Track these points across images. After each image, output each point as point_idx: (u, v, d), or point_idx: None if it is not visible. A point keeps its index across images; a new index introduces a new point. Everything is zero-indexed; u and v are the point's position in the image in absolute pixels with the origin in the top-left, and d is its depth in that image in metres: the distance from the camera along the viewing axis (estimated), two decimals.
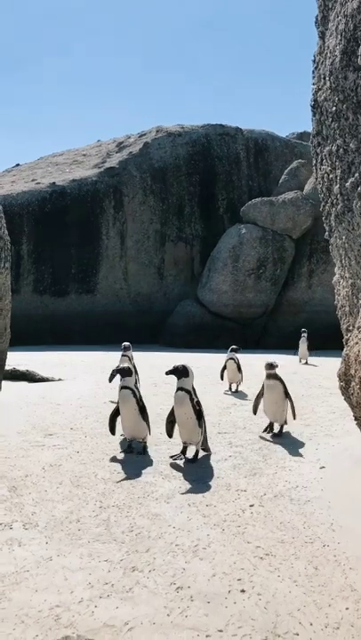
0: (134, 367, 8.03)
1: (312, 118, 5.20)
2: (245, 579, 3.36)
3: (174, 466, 5.60)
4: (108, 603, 3.16)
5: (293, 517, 4.26)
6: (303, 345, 15.94)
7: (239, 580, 3.35)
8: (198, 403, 5.77)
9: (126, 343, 9.08)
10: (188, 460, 5.72)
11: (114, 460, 5.81)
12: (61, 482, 5.11)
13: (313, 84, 5.06)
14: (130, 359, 8.72)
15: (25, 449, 6.17)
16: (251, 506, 4.50)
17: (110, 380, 6.69)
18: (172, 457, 5.81)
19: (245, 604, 3.09)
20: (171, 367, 5.84)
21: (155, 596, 3.22)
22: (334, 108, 4.27)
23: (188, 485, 5.00)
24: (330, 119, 4.47)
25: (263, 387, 6.89)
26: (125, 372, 6.15)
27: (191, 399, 5.68)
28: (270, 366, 6.83)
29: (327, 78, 4.33)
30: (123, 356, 8.87)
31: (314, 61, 4.95)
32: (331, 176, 4.68)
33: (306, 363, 15.44)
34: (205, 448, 5.95)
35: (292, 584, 3.29)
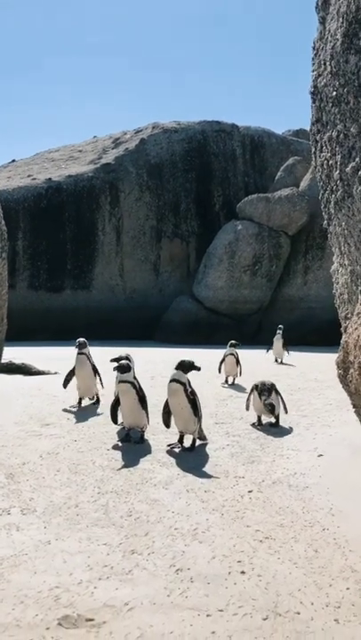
0: (94, 367, 7.82)
1: (311, 105, 5.19)
2: (245, 561, 3.35)
3: (172, 454, 5.60)
4: (107, 584, 3.14)
5: (292, 502, 4.25)
6: (278, 342, 14.61)
7: (239, 562, 3.34)
8: (193, 392, 5.78)
9: (81, 339, 8.06)
10: (185, 449, 5.72)
11: (111, 448, 5.79)
12: (59, 469, 5.09)
13: (313, 71, 5.04)
14: (88, 357, 7.86)
15: (22, 438, 6.15)
16: (249, 492, 4.49)
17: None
18: (169, 445, 5.81)
19: (246, 585, 3.08)
20: (179, 361, 5.89)
21: (154, 577, 3.20)
22: (335, 93, 4.26)
23: (186, 472, 4.99)
24: (330, 104, 4.46)
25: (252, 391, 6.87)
26: (124, 369, 6.11)
27: (185, 390, 5.70)
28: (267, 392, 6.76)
29: (328, 63, 4.32)
30: (79, 354, 7.86)
31: (314, 48, 4.94)
32: (331, 162, 4.68)
33: (281, 362, 14.16)
34: (202, 437, 5.95)
35: (293, 566, 3.28)
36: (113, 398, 6.44)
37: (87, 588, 3.09)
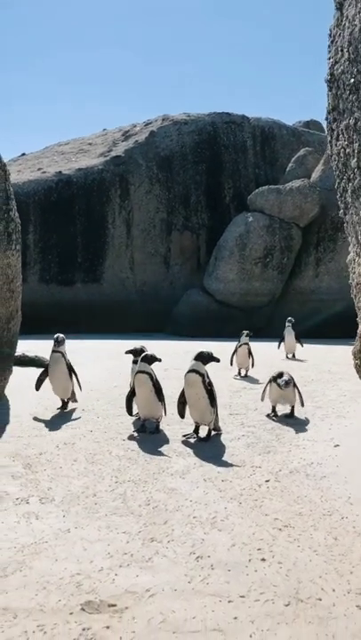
0: (70, 367, 7.13)
1: (328, 93, 5.15)
2: (265, 548, 3.36)
3: (187, 444, 5.61)
4: (128, 571, 3.16)
5: (310, 492, 4.25)
6: (290, 336, 13.35)
7: (259, 549, 3.35)
8: (210, 384, 5.78)
9: (60, 335, 7.30)
10: (200, 439, 5.73)
11: (127, 438, 5.81)
12: (76, 459, 5.12)
13: (329, 58, 5.00)
14: (63, 356, 7.16)
15: (38, 429, 6.19)
16: (267, 481, 4.50)
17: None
18: (184, 436, 5.82)
19: (266, 572, 3.09)
20: (197, 352, 5.93)
21: (175, 564, 3.22)
22: (353, 80, 4.22)
23: (202, 462, 5.01)
24: (347, 92, 4.42)
25: (271, 385, 6.80)
26: (148, 359, 6.13)
27: (203, 380, 5.70)
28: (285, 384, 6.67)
29: (345, 50, 4.28)
30: (54, 352, 7.17)
31: (330, 35, 4.90)
32: (347, 150, 4.64)
33: (293, 357, 13.23)
34: (216, 427, 5.97)
35: (313, 553, 3.29)
36: (129, 389, 6.46)
37: (108, 575, 3.11)
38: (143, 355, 6.21)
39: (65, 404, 7.10)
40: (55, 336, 7.23)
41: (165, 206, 25.61)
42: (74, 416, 6.80)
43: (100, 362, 12.09)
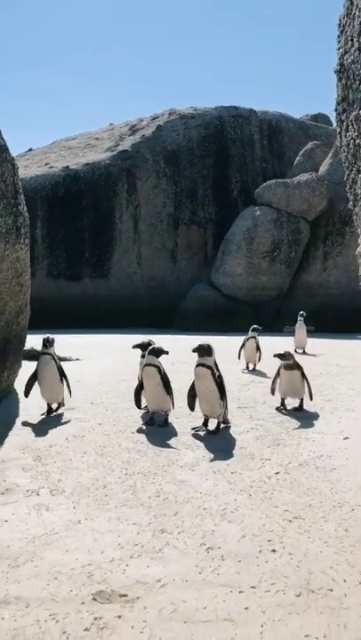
0: (60, 370, 6.63)
1: (337, 84, 5.11)
2: (275, 540, 3.36)
3: (197, 437, 5.62)
4: (138, 562, 3.17)
5: (320, 484, 4.25)
6: (301, 330, 13.16)
7: (269, 541, 3.35)
8: (220, 376, 5.80)
9: (50, 336, 6.86)
10: (210, 432, 5.74)
11: (136, 431, 5.83)
12: (85, 451, 5.14)
13: (338, 49, 4.96)
14: (53, 358, 6.65)
15: (47, 422, 6.21)
16: (276, 473, 4.50)
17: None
18: (194, 429, 5.83)
19: (277, 563, 3.09)
20: (196, 345, 5.87)
21: (185, 555, 3.23)
22: None
23: (211, 454, 5.01)
24: (357, 82, 4.39)
25: (280, 372, 6.80)
26: (156, 352, 6.15)
27: (213, 373, 5.72)
28: (283, 357, 6.73)
29: (355, 39, 4.25)
30: (43, 354, 6.70)
31: (340, 25, 4.86)
32: (357, 141, 4.61)
33: (304, 352, 12.88)
34: (225, 420, 5.98)
35: (323, 545, 3.28)
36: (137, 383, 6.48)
37: (119, 566, 3.13)
38: (150, 348, 6.22)
39: (51, 410, 6.56)
40: (45, 337, 6.73)
41: (172, 200, 25.58)
42: (80, 411, 6.81)
43: (108, 356, 12.12)
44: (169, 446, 5.27)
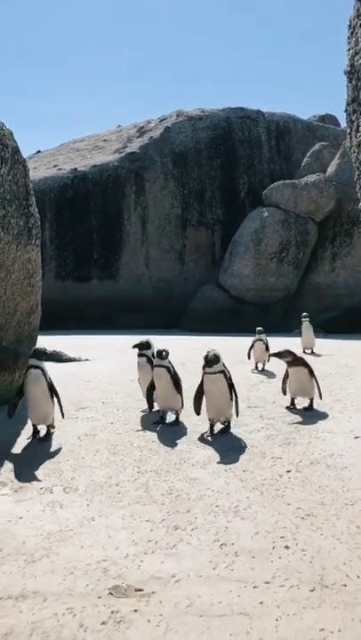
0: (51, 387, 5.65)
1: (347, 85, 5.14)
2: (288, 536, 3.39)
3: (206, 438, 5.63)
4: (153, 558, 3.20)
5: (332, 482, 4.27)
6: (308, 331, 13.23)
7: (282, 537, 3.38)
8: (231, 378, 5.76)
9: (39, 348, 6.29)
10: (221, 432, 5.68)
11: (147, 430, 5.87)
12: (98, 450, 5.18)
13: (348, 50, 4.99)
14: (44, 373, 5.62)
15: (59, 420, 6.24)
16: (288, 471, 4.52)
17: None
18: (201, 436, 5.63)
19: (291, 559, 3.11)
20: (205, 355, 5.64)
21: (199, 551, 3.26)
22: None
23: (223, 453, 5.04)
24: None
25: (287, 371, 6.81)
26: (161, 355, 6.19)
27: (225, 376, 5.65)
28: (280, 355, 6.75)
29: None
30: (32, 367, 5.58)
31: (350, 26, 4.88)
32: None
33: (312, 352, 12.84)
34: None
35: (336, 541, 3.31)
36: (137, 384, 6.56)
37: (134, 562, 3.16)
38: (157, 351, 6.24)
39: (37, 432, 5.61)
40: (35, 348, 5.98)
41: (180, 202, 25.64)
42: (91, 410, 6.86)
43: (117, 356, 12.16)
44: (180, 445, 5.30)
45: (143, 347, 6.93)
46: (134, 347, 7.12)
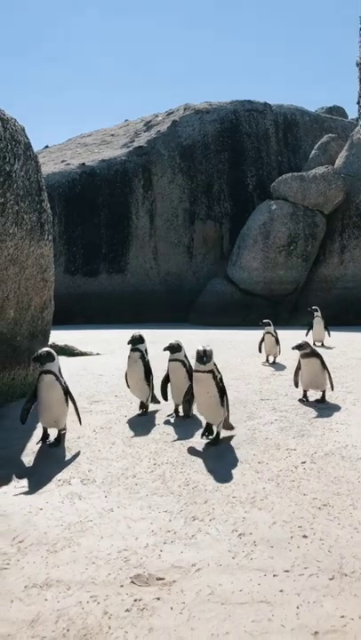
0: (66, 391, 5.30)
1: (359, 77, 5.13)
2: (306, 526, 3.43)
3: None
4: (172, 548, 3.25)
5: (347, 473, 4.30)
6: (319, 325, 13.32)
7: (300, 527, 3.42)
8: (221, 379, 5.21)
9: (43, 350, 5.37)
10: (208, 444, 5.09)
11: (162, 423, 5.92)
12: (114, 442, 5.24)
13: (360, 42, 4.97)
14: (58, 378, 5.28)
15: (73, 414, 6.28)
16: (303, 463, 4.56)
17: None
18: (202, 436, 5.28)
19: (309, 548, 3.16)
20: (198, 350, 5.16)
21: (218, 541, 3.30)
22: None
23: (237, 445, 5.07)
24: None
25: (300, 362, 6.83)
26: (175, 349, 6.21)
27: (214, 377, 5.11)
28: (301, 347, 6.78)
29: None
30: (44, 373, 5.22)
31: None
32: None
33: (322, 345, 13.00)
34: (228, 426, 5.40)
35: (353, 531, 3.34)
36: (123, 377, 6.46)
37: (154, 551, 3.21)
38: (169, 346, 6.25)
39: (47, 436, 5.33)
40: (39, 352, 5.31)
41: (188, 196, 25.64)
42: (105, 403, 6.91)
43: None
44: (195, 437, 5.34)
45: (136, 341, 6.58)
46: (129, 343, 6.73)
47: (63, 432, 5.37)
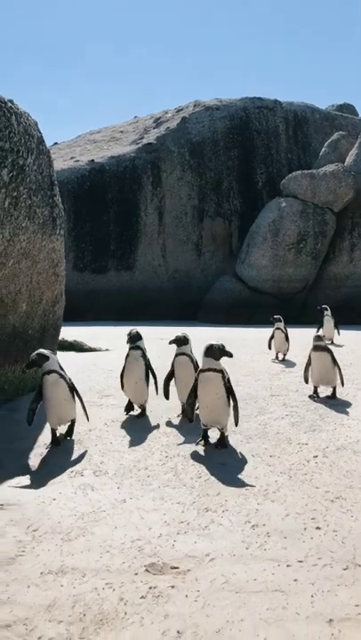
0: (73, 389, 5.20)
1: None
2: (319, 518, 3.44)
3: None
4: (186, 538, 3.27)
5: (359, 467, 4.31)
6: (330, 324, 13.34)
7: (313, 519, 3.43)
8: (229, 380, 4.94)
9: (44, 351, 5.34)
10: (216, 445, 4.91)
11: (173, 416, 5.93)
12: (125, 435, 5.27)
13: None
14: (63, 377, 5.18)
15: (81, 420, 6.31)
16: (315, 457, 4.57)
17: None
18: (197, 442, 5.01)
19: (322, 539, 3.17)
20: (207, 346, 4.90)
21: (231, 532, 3.32)
22: None
23: (249, 439, 5.09)
24: None
25: (310, 357, 6.83)
26: (182, 342, 6.14)
27: (223, 377, 4.85)
28: (318, 338, 6.83)
29: None
30: (47, 373, 5.11)
31: None
32: None
33: (332, 343, 12.79)
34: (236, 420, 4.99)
35: None
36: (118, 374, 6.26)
37: (167, 541, 3.23)
38: (176, 338, 6.13)
39: (56, 439, 5.13)
40: (31, 358, 5.24)
41: (197, 193, 25.60)
42: (115, 397, 6.93)
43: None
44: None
45: (135, 338, 6.26)
46: (127, 341, 6.37)
47: (73, 424, 5.34)
